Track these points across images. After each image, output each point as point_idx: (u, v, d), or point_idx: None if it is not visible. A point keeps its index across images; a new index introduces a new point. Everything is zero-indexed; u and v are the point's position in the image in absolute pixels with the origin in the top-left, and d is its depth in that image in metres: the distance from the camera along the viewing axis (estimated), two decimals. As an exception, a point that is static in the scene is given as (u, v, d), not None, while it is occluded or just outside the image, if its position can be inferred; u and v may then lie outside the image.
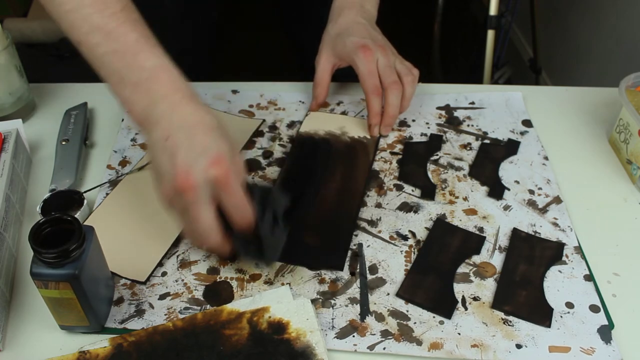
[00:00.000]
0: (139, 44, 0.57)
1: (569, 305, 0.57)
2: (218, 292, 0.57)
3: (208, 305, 0.56)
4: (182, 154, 0.52)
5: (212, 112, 0.56)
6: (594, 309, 0.57)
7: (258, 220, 0.55)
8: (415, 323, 0.55)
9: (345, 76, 0.79)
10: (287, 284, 0.58)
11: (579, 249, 0.62)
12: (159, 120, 0.54)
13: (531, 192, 0.69)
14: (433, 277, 0.59)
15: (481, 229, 0.64)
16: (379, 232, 0.64)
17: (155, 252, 0.61)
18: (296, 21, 1.04)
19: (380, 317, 0.56)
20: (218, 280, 0.59)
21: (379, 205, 0.67)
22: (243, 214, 0.54)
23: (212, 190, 0.53)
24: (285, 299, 0.56)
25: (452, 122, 0.79)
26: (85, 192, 0.65)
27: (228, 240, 0.56)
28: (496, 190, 0.69)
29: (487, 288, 0.59)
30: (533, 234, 0.64)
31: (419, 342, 0.54)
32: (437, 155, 0.74)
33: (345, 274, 0.59)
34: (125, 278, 0.58)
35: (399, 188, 0.69)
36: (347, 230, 0.63)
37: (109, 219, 0.63)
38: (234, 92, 0.82)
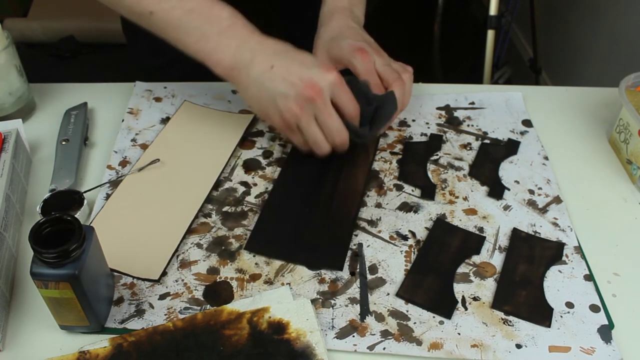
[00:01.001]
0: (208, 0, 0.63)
1: (569, 305, 0.57)
2: (218, 292, 0.57)
3: (208, 305, 0.56)
4: (296, 71, 0.61)
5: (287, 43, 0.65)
6: (594, 308, 0.57)
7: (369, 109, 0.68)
8: (415, 323, 0.55)
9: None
10: (287, 284, 0.58)
11: (579, 249, 0.62)
12: (254, 57, 0.62)
13: (531, 192, 0.69)
14: (433, 277, 0.59)
15: (481, 229, 0.64)
16: (379, 232, 0.64)
17: (164, 250, 0.61)
18: (292, 19, 1.04)
19: (380, 317, 0.56)
20: (218, 280, 0.59)
21: (379, 205, 0.67)
22: (355, 105, 0.65)
23: (330, 93, 0.62)
24: (285, 299, 0.56)
25: (452, 122, 0.79)
26: (85, 192, 0.65)
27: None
28: (496, 190, 0.69)
29: (487, 288, 0.59)
30: (533, 234, 0.64)
31: (419, 342, 0.54)
32: (437, 155, 0.74)
33: (345, 274, 0.59)
34: (138, 278, 0.58)
35: (399, 188, 0.69)
36: (347, 230, 0.63)
37: (116, 220, 0.63)
38: (234, 92, 0.82)
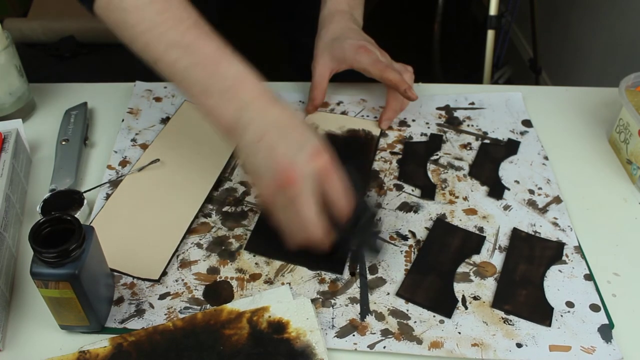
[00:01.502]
0: (218, 54, 0.58)
1: (569, 304, 0.57)
2: (218, 292, 0.57)
3: (208, 305, 0.56)
4: (281, 150, 0.54)
5: (298, 112, 0.61)
6: (594, 308, 0.57)
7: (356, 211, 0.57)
8: (415, 322, 0.55)
9: (344, 76, 0.79)
10: (287, 283, 0.58)
11: (579, 249, 0.62)
12: (250, 123, 0.56)
13: (531, 192, 0.69)
14: (433, 277, 0.59)
15: (481, 229, 0.64)
16: (379, 232, 0.64)
17: (164, 249, 0.61)
18: (289, 20, 1.04)
19: (380, 317, 0.56)
20: (218, 280, 0.59)
21: (379, 206, 0.67)
22: (347, 202, 0.55)
23: (315, 183, 0.54)
24: (285, 299, 0.56)
25: (452, 122, 0.79)
26: (85, 192, 0.65)
27: (329, 234, 0.56)
28: (496, 190, 0.69)
29: (487, 287, 0.59)
30: (533, 233, 0.64)
31: (419, 341, 0.54)
32: (437, 155, 0.74)
33: (345, 274, 0.59)
34: (138, 278, 0.58)
35: (399, 188, 0.69)
36: (347, 232, 0.63)
37: (116, 220, 0.63)
38: (234, 92, 0.82)
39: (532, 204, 0.68)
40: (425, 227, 0.64)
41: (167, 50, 0.58)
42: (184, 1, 0.61)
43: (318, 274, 0.59)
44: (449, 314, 0.56)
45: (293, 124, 0.56)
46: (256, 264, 0.60)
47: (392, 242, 0.63)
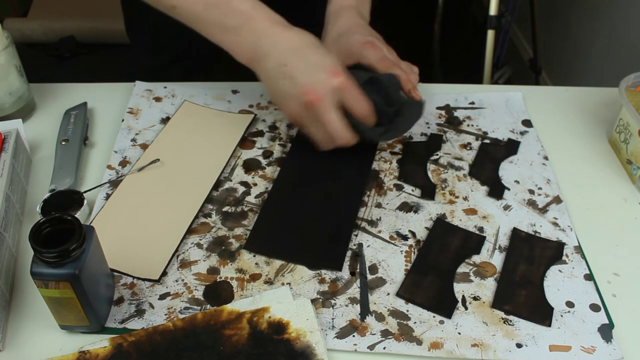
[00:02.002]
0: None
1: (570, 304, 0.57)
2: (218, 292, 0.57)
3: (208, 305, 0.56)
4: (302, 74, 0.62)
5: (310, 34, 0.65)
6: (594, 308, 0.57)
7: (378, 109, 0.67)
8: (415, 323, 0.55)
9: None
10: (287, 284, 0.58)
11: (579, 249, 0.62)
12: (270, 51, 0.63)
13: (531, 192, 0.69)
14: (433, 277, 0.59)
15: (481, 229, 0.64)
16: (379, 232, 0.64)
17: (164, 250, 0.61)
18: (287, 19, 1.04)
19: (380, 317, 0.56)
20: (218, 280, 0.59)
21: (379, 205, 0.67)
22: (364, 106, 0.65)
23: (335, 97, 0.63)
24: (285, 299, 0.56)
25: (452, 122, 0.79)
26: (85, 192, 0.65)
27: (355, 133, 0.66)
28: (496, 190, 0.69)
29: (487, 288, 0.59)
30: (533, 233, 0.64)
31: (419, 342, 0.54)
32: (437, 155, 0.74)
33: (345, 274, 0.59)
34: (138, 278, 0.58)
35: (399, 188, 0.69)
36: (346, 230, 0.63)
37: (116, 220, 0.63)
38: (234, 92, 0.82)
39: (532, 204, 0.68)
40: (425, 227, 0.64)
41: None
42: None
43: (318, 274, 0.59)
44: (449, 315, 0.56)
45: (309, 47, 0.64)
46: (256, 264, 0.60)
47: (392, 242, 0.63)
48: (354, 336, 0.54)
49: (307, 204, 0.66)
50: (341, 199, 0.67)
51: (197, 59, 0.99)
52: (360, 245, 0.62)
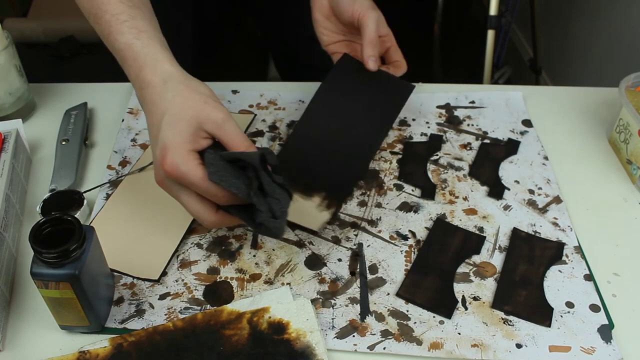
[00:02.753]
0: (109, 24, 0.56)
1: (569, 304, 0.57)
2: (218, 292, 0.57)
3: (208, 305, 0.56)
4: (153, 149, 0.53)
5: (169, 89, 0.53)
6: (594, 308, 0.57)
7: (248, 191, 0.51)
8: (415, 323, 0.55)
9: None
10: (287, 284, 0.58)
11: (579, 249, 0.62)
12: (141, 104, 0.56)
13: (531, 192, 0.69)
14: (433, 277, 0.59)
15: (481, 229, 0.64)
16: (379, 232, 0.64)
17: (164, 250, 0.61)
18: (273, 26, 1.03)
19: (380, 317, 0.56)
20: (218, 280, 0.59)
21: (379, 205, 0.67)
22: (213, 196, 0.51)
23: (174, 181, 0.52)
24: (285, 299, 0.56)
25: (452, 121, 0.79)
26: (85, 192, 0.65)
27: (227, 214, 0.54)
28: (496, 190, 0.69)
29: (487, 288, 0.59)
30: (533, 233, 0.64)
31: (419, 342, 0.54)
32: (437, 155, 0.74)
33: (345, 273, 0.59)
34: (138, 278, 0.58)
35: (399, 188, 0.69)
36: (363, 160, 0.68)
37: (115, 220, 0.63)
38: (234, 92, 0.82)
39: (532, 204, 0.68)
40: (425, 227, 0.64)
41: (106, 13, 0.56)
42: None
43: (318, 274, 0.59)
44: (448, 315, 0.56)
45: (157, 115, 0.52)
46: (256, 264, 0.60)
47: (392, 242, 0.63)
48: (354, 336, 0.54)
49: (329, 136, 0.70)
50: (361, 131, 0.71)
51: (197, 59, 0.99)
52: (360, 245, 0.62)
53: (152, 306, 0.56)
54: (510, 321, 0.56)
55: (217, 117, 0.51)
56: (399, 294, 0.58)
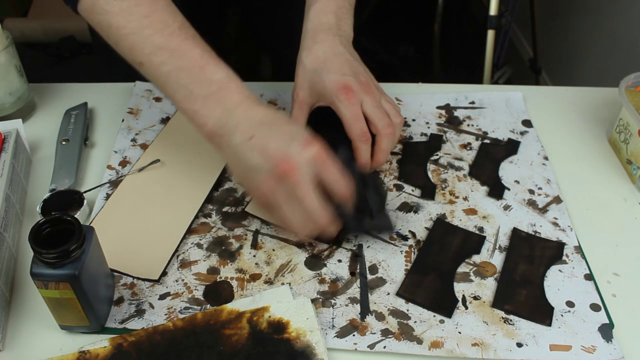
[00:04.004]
0: (204, 58, 0.58)
1: (570, 304, 0.57)
2: (218, 292, 0.57)
3: (208, 305, 0.56)
4: (273, 144, 0.54)
5: (283, 112, 0.60)
6: (594, 307, 0.57)
7: (357, 192, 0.58)
8: (415, 322, 0.55)
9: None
10: (287, 283, 0.58)
11: (579, 249, 0.62)
12: (238, 125, 0.56)
13: (531, 192, 0.69)
14: (433, 277, 0.59)
15: (481, 229, 0.64)
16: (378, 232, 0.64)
17: (164, 250, 0.61)
18: (267, 30, 1.02)
19: (380, 317, 0.56)
20: (218, 280, 0.59)
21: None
22: (344, 185, 0.56)
23: (311, 171, 0.54)
24: (285, 299, 0.56)
25: (452, 121, 0.79)
26: (85, 192, 0.65)
27: (335, 219, 0.57)
28: (496, 190, 0.69)
29: (487, 287, 0.59)
30: (533, 233, 0.64)
31: (420, 341, 0.54)
32: (437, 155, 0.74)
33: (345, 274, 0.59)
34: (138, 278, 0.58)
35: (399, 188, 0.69)
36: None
37: (116, 220, 0.63)
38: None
39: (532, 204, 0.68)
40: (425, 227, 0.64)
41: (152, 54, 0.58)
42: (170, 4, 0.60)
43: (318, 274, 0.59)
44: (449, 314, 0.56)
45: (280, 121, 0.57)
46: (256, 264, 0.60)
47: (392, 242, 0.63)
48: (354, 335, 0.54)
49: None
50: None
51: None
52: (360, 245, 0.62)
53: (152, 306, 0.56)
54: (511, 320, 0.56)
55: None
56: (399, 294, 0.58)
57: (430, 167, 0.72)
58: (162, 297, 0.57)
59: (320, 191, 0.55)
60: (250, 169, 0.56)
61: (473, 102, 0.82)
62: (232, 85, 0.58)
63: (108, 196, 0.66)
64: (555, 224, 0.65)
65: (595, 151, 0.75)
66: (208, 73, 0.58)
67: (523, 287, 0.58)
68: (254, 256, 0.61)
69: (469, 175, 0.71)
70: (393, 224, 0.64)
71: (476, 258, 0.61)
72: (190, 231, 0.63)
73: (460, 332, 0.55)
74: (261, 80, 0.85)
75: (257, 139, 0.55)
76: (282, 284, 0.58)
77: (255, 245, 0.62)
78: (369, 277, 0.59)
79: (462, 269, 0.60)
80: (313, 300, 0.56)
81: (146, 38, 0.58)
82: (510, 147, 0.75)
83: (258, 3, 0.98)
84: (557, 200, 0.68)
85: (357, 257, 0.61)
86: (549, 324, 0.55)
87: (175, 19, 0.59)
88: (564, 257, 0.62)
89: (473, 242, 0.63)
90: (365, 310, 0.56)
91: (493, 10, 1.54)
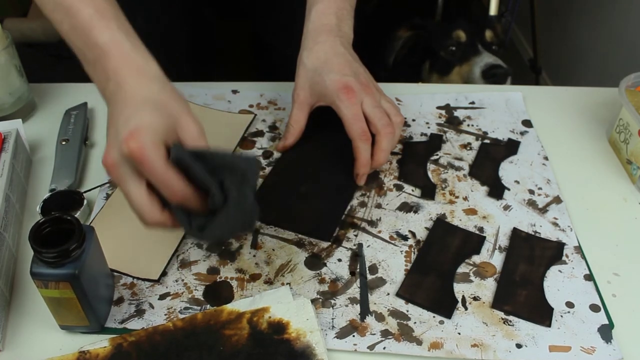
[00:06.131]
0: (93, 19, 0.54)
1: (569, 304, 0.57)
2: (218, 292, 0.57)
3: (208, 305, 0.56)
4: (111, 132, 0.51)
5: (159, 88, 0.53)
6: (594, 308, 0.57)
7: (212, 192, 0.50)
8: (415, 323, 0.55)
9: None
10: (287, 284, 0.58)
11: (579, 249, 0.62)
12: (111, 99, 0.53)
13: (531, 192, 0.69)
14: (433, 277, 0.59)
15: (481, 229, 0.64)
16: (379, 232, 0.64)
17: (164, 250, 0.61)
18: (266, 29, 1.02)
19: (380, 317, 0.56)
20: (218, 280, 0.59)
21: (379, 206, 0.67)
22: (170, 189, 0.49)
23: (130, 166, 0.49)
24: (285, 299, 0.56)
25: (452, 121, 0.79)
26: (85, 192, 0.65)
27: (171, 214, 0.51)
28: (496, 190, 0.69)
29: (487, 288, 0.59)
30: (533, 233, 0.64)
31: (419, 342, 0.54)
32: (437, 155, 0.74)
33: (345, 274, 0.59)
34: (138, 278, 0.58)
35: (399, 188, 0.69)
36: (340, 202, 0.65)
37: (116, 220, 0.63)
38: (234, 92, 0.82)
39: (532, 204, 0.67)
40: (425, 227, 0.64)
41: (54, 11, 0.56)
42: None
43: (318, 274, 0.59)
44: (448, 315, 0.56)
45: (135, 99, 0.52)
46: (256, 264, 0.60)
47: (392, 242, 0.63)
48: (354, 336, 0.54)
49: (306, 182, 0.68)
50: (340, 171, 0.69)
51: (196, 59, 0.99)
52: (360, 245, 0.62)
53: (152, 306, 0.56)
54: (510, 321, 0.56)
55: (194, 129, 0.51)
56: (399, 294, 0.58)
57: (430, 167, 0.72)
58: (162, 297, 0.57)
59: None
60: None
61: (473, 102, 0.82)
62: (114, 51, 0.54)
63: (108, 196, 0.66)
64: (555, 224, 0.65)
65: (595, 151, 0.75)
66: (94, 36, 0.54)
67: (523, 288, 0.58)
68: (254, 256, 0.61)
69: (469, 175, 0.71)
70: (247, 221, 0.54)
71: (476, 258, 0.61)
72: (190, 231, 0.63)
73: (459, 333, 0.55)
74: (261, 80, 0.85)
75: (109, 121, 0.52)
76: (282, 284, 0.58)
77: (255, 245, 0.62)
78: (369, 277, 0.59)
79: (462, 269, 0.60)
80: (313, 301, 0.56)
81: None
82: (510, 147, 0.75)
83: (259, 4, 0.98)
84: (557, 200, 0.68)
85: (357, 256, 0.61)
86: (549, 325, 0.55)
87: None
88: (564, 258, 0.62)
89: (473, 242, 0.63)
90: (365, 311, 0.56)
91: (493, 10, 1.54)
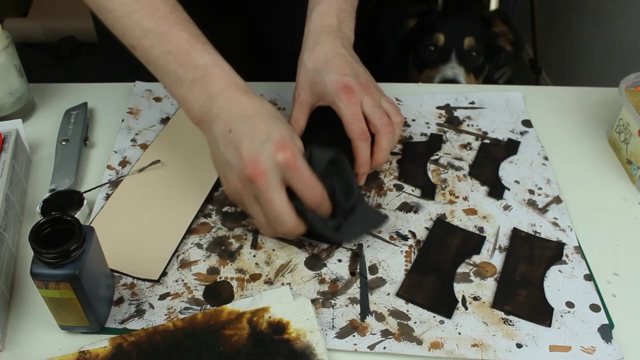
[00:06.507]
0: (190, 43, 0.58)
1: (569, 304, 0.57)
2: (218, 292, 0.57)
3: (208, 305, 0.56)
4: (247, 144, 0.54)
5: (267, 102, 0.58)
6: (594, 308, 0.57)
7: (331, 196, 0.57)
8: (415, 323, 0.55)
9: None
10: (287, 284, 0.58)
11: (579, 249, 0.62)
12: (219, 115, 0.56)
13: (531, 192, 0.69)
14: (433, 277, 0.59)
15: (481, 229, 0.64)
16: (379, 232, 0.64)
17: (164, 250, 0.61)
18: (266, 29, 1.02)
19: (380, 317, 0.56)
20: (218, 280, 0.59)
21: (379, 206, 0.67)
22: (315, 193, 0.55)
23: (280, 174, 0.54)
24: (285, 299, 0.56)
25: (452, 121, 0.79)
26: (85, 192, 0.65)
27: (302, 221, 0.57)
28: (496, 190, 0.69)
29: (487, 288, 0.59)
30: (533, 233, 0.64)
31: (420, 342, 0.54)
32: (437, 155, 0.74)
33: (345, 274, 0.59)
34: (138, 278, 0.58)
35: (399, 188, 0.69)
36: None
37: (116, 220, 0.63)
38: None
39: (532, 204, 0.68)
40: (425, 227, 0.64)
41: (142, 38, 0.59)
42: None
43: (318, 274, 0.59)
44: (449, 315, 0.56)
45: (261, 114, 0.56)
46: (256, 264, 0.60)
47: (392, 242, 0.63)
48: (354, 336, 0.54)
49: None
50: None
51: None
52: (360, 245, 0.62)
53: (152, 306, 0.56)
54: (511, 321, 0.56)
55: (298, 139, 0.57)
56: (399, 294, 0.58)
57: (430, 167, 0.72)
58: (162, 297, 0.57)
59: (290, 193, 0.55)
60: (225, 163, 0.57)
61: (473, 102, 0.82)
62: (216, 70, 0.58)
63: (108, 196, 0.66)
64: (555, 224, 0.65)
65: (595, 151, 0.75)
66: (193, 58, 0.58)
67: (523, 288, 0.58)
68: (254, 256, 0.61)
69: (469, 175, 0.71)
70: (378, 220, 0.63)
71: (476, 258, 0.61)
72: (190, 231, 0.63)
73: (460, 333, 0.55)
74: (261, 80, 0.85)
75: (234, 135, 0.55)
76: (282, 284, 0.58)
77: (255, 245, 0.62)
78: (369, 277, 0.59)
79: (462, 269, 0.60)
80: (313, 301, 0.56)
81: (137, 21, 0.59)
82: (510, 147, 0.75)
83: (260, 4, 0.98)
84: (557, 200, 0.68)
85: (357, 256, 0.61)
86: (549, 325, 0.55)
87: (167, 2, 0.60)
88: (564, 258, 0.62)
89: (473, 242, 0.63)
90: (365, 311, 0.56)
91: (493, 7, 1.54)
